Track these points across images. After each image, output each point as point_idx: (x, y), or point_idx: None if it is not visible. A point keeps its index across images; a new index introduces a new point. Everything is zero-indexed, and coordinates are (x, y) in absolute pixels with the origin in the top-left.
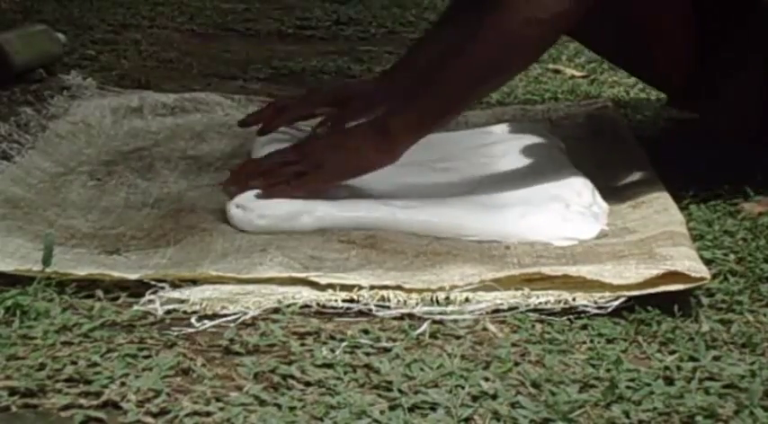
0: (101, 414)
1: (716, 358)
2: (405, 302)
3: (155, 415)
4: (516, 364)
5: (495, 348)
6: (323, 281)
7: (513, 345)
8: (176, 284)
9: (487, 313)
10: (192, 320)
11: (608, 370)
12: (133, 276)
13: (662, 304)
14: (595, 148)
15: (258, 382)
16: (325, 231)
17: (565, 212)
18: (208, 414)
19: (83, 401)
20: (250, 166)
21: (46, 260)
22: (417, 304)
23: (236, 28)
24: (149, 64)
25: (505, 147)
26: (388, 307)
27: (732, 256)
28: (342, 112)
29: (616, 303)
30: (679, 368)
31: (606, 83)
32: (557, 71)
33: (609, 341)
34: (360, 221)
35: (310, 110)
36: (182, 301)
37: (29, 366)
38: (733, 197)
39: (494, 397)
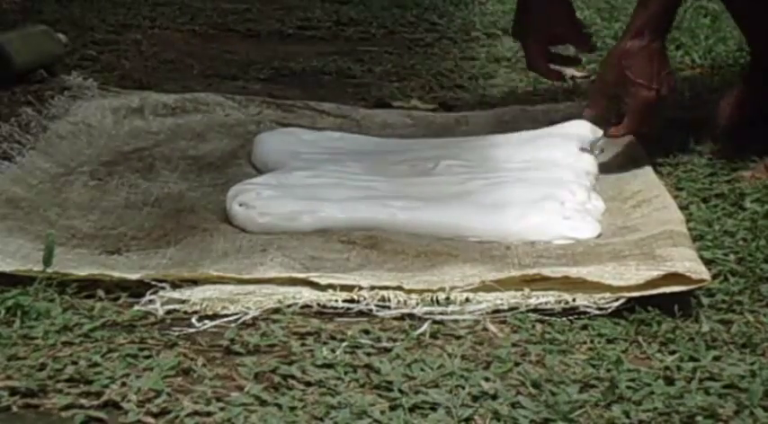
0: (101, 414)
1: (716, 358)
2: (405, 302)
3: (155, 415)
4: (516, 364)
5: (495, 349)
6: (323, 281)
7: (514, 345)
8: (177, 284)
9: (488, 313)
10: (193, 320)
11: (608, 370)
12: (134, 276)
13: (662, 304)
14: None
15: (259, 382)
16: (325, 231)
17: (562, 210)
18: (208, 414)
19: (83, 401)
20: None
21: (47, 261)
22: (418, 304)
23: (237, 28)
24: (150, 64)
25: (505, 148)
26: (389, 307)
27: (732, 256)
28: None
29: (616, 303)
30: (679, 368)
31: None
32: None
33: (609, 341)
34: (360, 221)
35: None
36: (182, 301)
37: (30, 366)
38: (733, 197)
39: (494, 397)
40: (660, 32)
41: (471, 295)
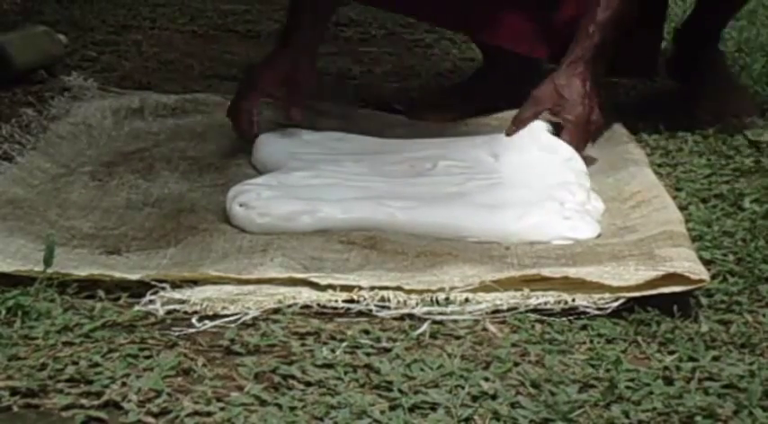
0: (102, 414)
1: (715, 359)
2: (405, 302)
3: (156, 415)
4: (516, 364)
5: (494, 349)
6: (323, 282)
7: (513, 345)
8: (177, 284)
9: (487, 313)
10: (193, 320)
11: (607, 370)
12: (134, 276)
13: (661, 304)
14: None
15: (259, 382)
16: (325, 232)
17: (562, 210)
18: (209, 414)
19: (84, 401)
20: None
21: (47, 261)
22: (417, 304)
23: (237, 29)
24: (150, 65)
25: (504, 149)
26: (389, 308)
27: (731, 257)
28: None
29: (615, 304)
30: (678, 368)
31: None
32: None
33: (608, 342)
34: (360, 222)
35: None
36: (182, 301)
37: (30, 366)
38: (732, 197)
39: (494, 397)
40: (593, 63)
41: (471, 296)
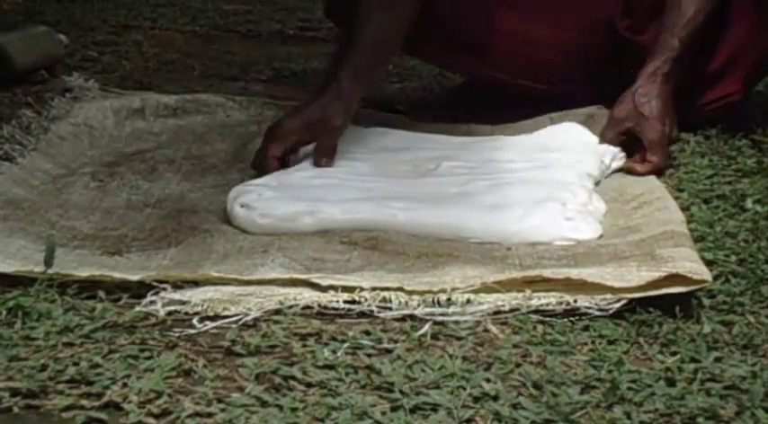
0: (102, 415)
1: (717, 360)
2: (406, 303)
3: (156, 416)
4: (518, 365)
5: (496, 350)
6: (324, 282)
7: (515, 346)
8: (178, 285)
9: (489, 314)
10: (194, 321)
11: (609, 371)
12: (135, 277)
13: (663, 305)
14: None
15: (260, 383)
16: (326, 232)
17: (563, 211)
18: (209, 415)
19: (84, 402)
20: None
21: (47, 262)
22: (419, 305)
23: (238, 29)
24: (151, 65)
25: (506, 149)
26: (390, 308)
27: (733, 257)
28: None
29: (617, 304)
30: (680, 369)
31: None
32: None
33: (610, 343)
34: (361, 222)
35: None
36: (183, 302)
37: (30, 367)
38: (734, 198)
39: (495, 398)
40: (671, 76)
41: (472, 297)
